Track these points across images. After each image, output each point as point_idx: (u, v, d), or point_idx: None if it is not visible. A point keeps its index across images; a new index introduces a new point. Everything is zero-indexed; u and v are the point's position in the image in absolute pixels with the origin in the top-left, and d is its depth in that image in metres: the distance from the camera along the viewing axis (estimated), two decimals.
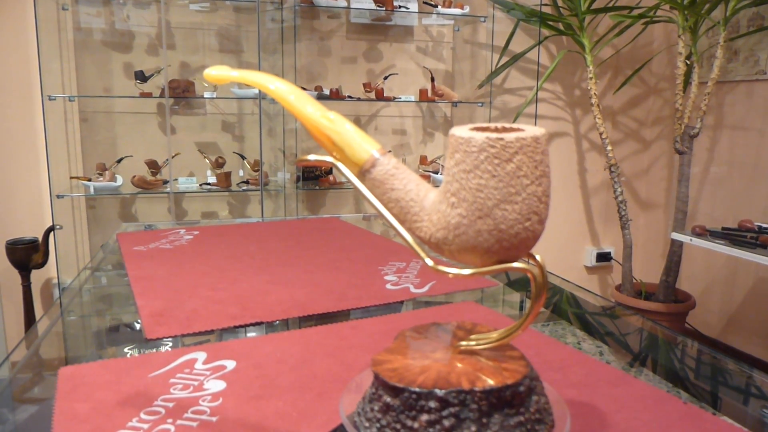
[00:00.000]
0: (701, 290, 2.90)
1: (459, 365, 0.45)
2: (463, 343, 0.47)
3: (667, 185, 3.17)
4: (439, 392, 0.41)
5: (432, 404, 0.41)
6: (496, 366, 0.45)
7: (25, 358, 0.76)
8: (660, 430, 0.53)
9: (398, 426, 0.42)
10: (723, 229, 2.12)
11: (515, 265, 0.44)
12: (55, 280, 2.51)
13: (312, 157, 0.51)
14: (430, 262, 0.46)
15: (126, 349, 0.77)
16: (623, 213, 2.76)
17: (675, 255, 2.71)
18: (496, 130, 0.45)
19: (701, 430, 0.53)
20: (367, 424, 0.45)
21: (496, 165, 0.42)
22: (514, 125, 0.45)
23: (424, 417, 0.41)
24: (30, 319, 2.42)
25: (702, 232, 2.15)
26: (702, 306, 2.89)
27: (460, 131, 0.44)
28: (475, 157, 0.42)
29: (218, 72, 0.53)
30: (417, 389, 0.42)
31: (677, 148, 2.63)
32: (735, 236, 2.04)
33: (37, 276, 2.49)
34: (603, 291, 3.35)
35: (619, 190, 2.75)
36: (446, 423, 0.41)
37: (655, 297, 2.79)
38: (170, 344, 0.77)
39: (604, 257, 3.27)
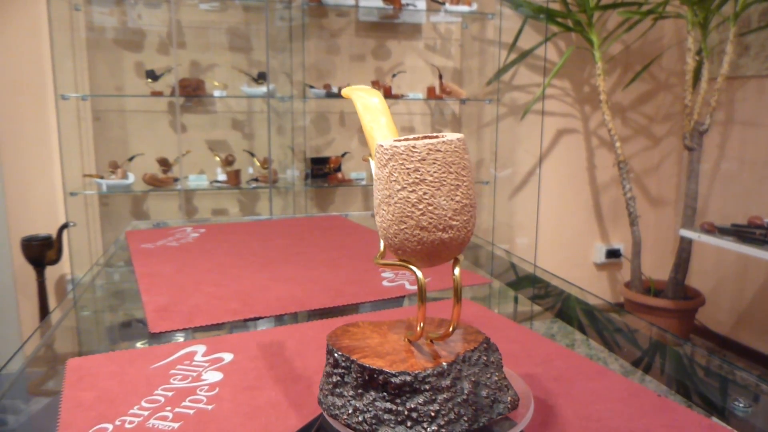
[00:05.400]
0: (711, 287, 2.89)
1: (390, 346, 0.51)
2: (409, 333, 0.53)
3: (676, 182, 3.16)
4: (335, 353, 0.50)
5: (330, 360, 0.51)
6: (409, 357, 0.48)
7: (34, 352, 0.80)
8: (631, 421, 0.55)
9: (325, 370, 0.52)
10: (732, 225, 2.11)
11: (399, 262, 0.50)
12: (69, 277, 2.57)
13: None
14: (381, 247, 0.53)
15: (131, 342, 0.81)
16: (632, 210, 2.76)
17: (684, 252, 2.71)
18: (425, 138, 0.49)
19: (671, 420, 0.55)
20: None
21: (379, 169, 0.48)
22: (440, 134, 0.49)
23: (327, 368, 0.51)
24: (44, 315, 2.48)
25: (711, 229, 2.15)
26: (712, 303, 2.88)
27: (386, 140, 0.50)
28: (375, 160, 0.49)
29: (348, 90, 0.62)
30: (330, 347, 0.51)
31: (686, 145, 2.62)
32: (744, 233, 2.03)
33: (51, 272, 2.54)
34: (612, 288, 3.35)
35: (628, 186, 2.75)
36: (334, 379, 0.50)
37: (664, 294, 2.79)
38: (174, 338, 0.80)
39: (613, 254, 3.26)
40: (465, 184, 0.47)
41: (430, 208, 0.46)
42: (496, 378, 0.50)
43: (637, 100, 3.19)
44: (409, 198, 0.46)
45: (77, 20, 2.48)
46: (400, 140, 0.48)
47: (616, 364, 0.72)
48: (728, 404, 0.61)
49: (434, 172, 0.46)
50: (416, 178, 0.46)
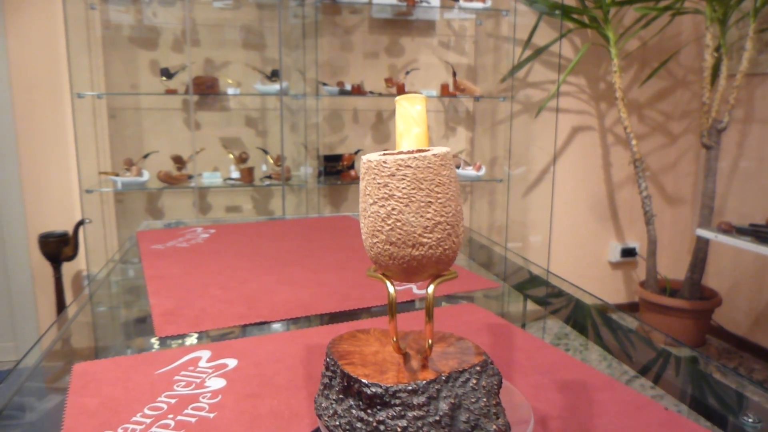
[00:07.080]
0: (728, 287, 2.85)
1: (381, 356, 0.52)
2: (403, 345, 0.54)
3: (693, 180, 3.11)
4: (328, 358, 0.51)
5: (324, 363, 0.52)
6: (391, 369, 0.49)
7: (49, 348, 0.80)
8: None
9: (322, 371, 0.54)
10: (750, 225, 2.08)
11: (377, 274, 0.50)
12: (85, 273, 2.60)
13: None
14: None
15: (144, 339, 0.81)
16: (648, 208, 2.72)
17: (701, 251, 2.67)
18: (417, 151, 0.49)
19: None
20: None
21: (360, 180, 0.49)
22: (432, 148, 0.48)
23: (322, 370, 0.53)
24: (61, 310, 2.51)
25: (728, 229, 2.12)
26: (729, 303, 2.83)
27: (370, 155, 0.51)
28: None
29: (397, 98, 0.63)
30: (327, 351, 0.53)
31: (704, 143, 2.58)
32: (762, 233, 1.99)
33: (67, 268, 2.58)
34: (627, 287, 3.31)
35: (644, 185, 2.71)
36: (325, 380, 0.52)
37: (680, 294, 2.75)
38: (185, 339, 0.80)
39: (628, 253, 3.23)
40: (439, 201, 0.46)
41: (398, 224, 0.46)
42: (483, 403, 0.48)
43: (654, 97, 3.14)
44: (379, 213, 0.46)
45: (93, 19, 2.50)
46: (388, 153, 0.48)
47: (623, 368, 0.71)
48: (735, 417, 0.60)
49: (403, 188, 0.46)
50: (385, 193, 0.46)
